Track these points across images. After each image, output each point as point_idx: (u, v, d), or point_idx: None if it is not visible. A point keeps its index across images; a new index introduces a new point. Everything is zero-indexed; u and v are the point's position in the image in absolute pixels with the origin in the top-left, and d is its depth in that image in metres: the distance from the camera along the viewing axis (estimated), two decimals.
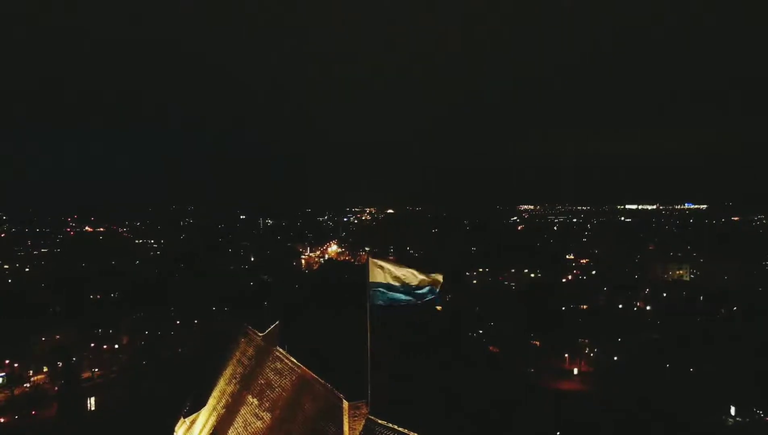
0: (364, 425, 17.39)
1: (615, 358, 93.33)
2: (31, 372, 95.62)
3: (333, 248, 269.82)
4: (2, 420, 79.53)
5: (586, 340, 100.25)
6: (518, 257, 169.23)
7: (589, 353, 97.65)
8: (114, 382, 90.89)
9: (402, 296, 17.46)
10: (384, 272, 17.69)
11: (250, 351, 28.40)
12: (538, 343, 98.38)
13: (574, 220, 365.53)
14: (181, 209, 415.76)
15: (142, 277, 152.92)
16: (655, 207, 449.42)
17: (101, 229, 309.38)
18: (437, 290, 17.35)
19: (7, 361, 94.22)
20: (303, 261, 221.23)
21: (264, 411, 23.28)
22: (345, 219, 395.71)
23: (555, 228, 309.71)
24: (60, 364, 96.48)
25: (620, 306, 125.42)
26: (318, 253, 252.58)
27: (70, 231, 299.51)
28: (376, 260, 17.94)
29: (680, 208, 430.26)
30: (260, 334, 28.20)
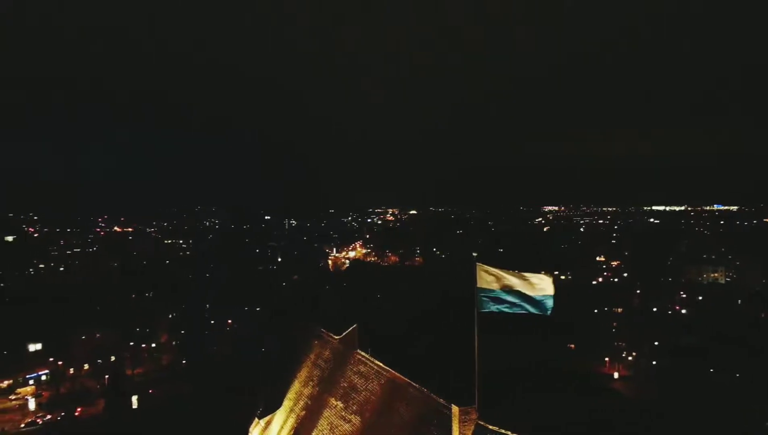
0: (474, 431, 17.48)
1: (654, 362, 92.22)
2: (72, 370, 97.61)
3: (359, 249, 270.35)
4: (49, 417, 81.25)
5: (623, 344, 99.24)
6: (546, 259, 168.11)
7: (626, 357, 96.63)
8: (155, 381, 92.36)
9: (512, 301, 17.46)
10: (492, 278, 17.72)
11: (327, 353, 28.68)
12: (573, 346, 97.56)
13: (600, 221, 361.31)
14: (206, 210, 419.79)
15: (175, 277, 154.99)
16: (683, 208, 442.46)
17: (130, 229, 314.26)
18: (550, 298, 17.30)
19: (50, 359, 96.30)
20: (330, 261, 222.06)
21: (352, 414, 23.50)
22: (369, 220, 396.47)
23: (582, 229, 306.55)
24: (100, 361, 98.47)
25: (654, 309, 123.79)
26: (344, 253, 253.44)
27: (100, 231, 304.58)
28: (483, 265, 17.99)
29: (709, 210, 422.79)
30: (336, 337, 28.46)
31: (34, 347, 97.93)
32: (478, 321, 17.95)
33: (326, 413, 25.25)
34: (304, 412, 27.11)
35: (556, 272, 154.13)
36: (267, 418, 29.86)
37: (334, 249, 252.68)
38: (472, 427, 17.52)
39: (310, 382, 28.37)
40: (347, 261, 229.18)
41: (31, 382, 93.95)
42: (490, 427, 17.27)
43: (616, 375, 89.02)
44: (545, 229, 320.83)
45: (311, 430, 25.42)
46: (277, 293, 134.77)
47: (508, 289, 17.53)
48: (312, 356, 29.91)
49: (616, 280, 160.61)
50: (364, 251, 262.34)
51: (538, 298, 17.23)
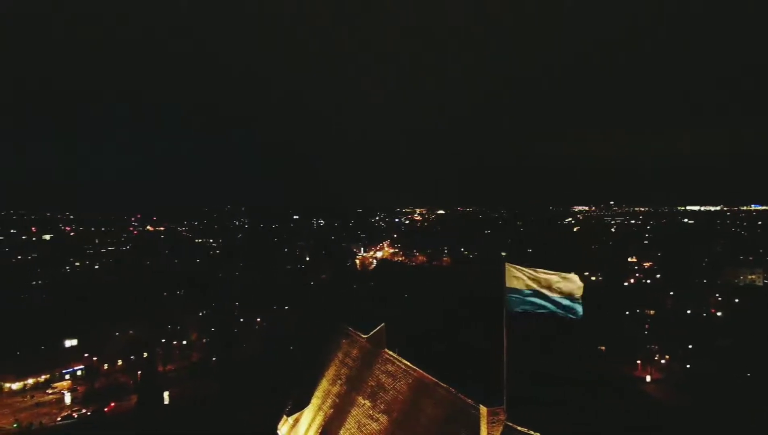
0: (502, 432, 17.30)
1: (688, 366, 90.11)
2: (106, 366, 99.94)
3: (386, 248, 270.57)
4: (84, 411, 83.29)
5: (656, 347, 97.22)
6: (576, 259, 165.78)
7: (659, 360, 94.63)
8: (185, 378, 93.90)
9: (541, 303, 17.24)
10: (522, 278, 17.52)
11: (354, 352, 28.76)
12: (603, 347, 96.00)
13: (632, 221, 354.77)
14: (236, 210, 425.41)
15: (205, 276, 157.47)
16: (719, 208, 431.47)
17: (162, 229, 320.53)
18: (580, 299, 17.02)
19: (86, 355, 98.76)
20: (357, 261, 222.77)
21: (379, 413, 23.52)
22: (397, 220, 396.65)
23: (613, 230, 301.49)
24: (132, 357, 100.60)
25: (688, 311, 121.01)
26: (371, 253, 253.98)
27: (134, 230, 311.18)
28: (512, 265, 17.81)
29: (746, 210, 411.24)
30: (364, 336, 28.52)
31: (70, 343, 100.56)
32: (507, 321, 17.78)
33: (354, 412, 25.32)
34: (331, 411, 27.24)
35: (586, 273, 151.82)
36: (295, 416, 30.08)
37: (362, 248, 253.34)
38: (501, 428, 17.35)
39: (338, 381, 28.49)
40: (375, 260, 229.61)
41: (67, 377, 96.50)
42: (519, 428, 17.07)
43: (648, 378, 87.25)
44: (575, 229, 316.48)
45: (339, 428, 25.51)
46: (306, 292, 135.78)
47: (538, 290, 17.30)
48: (340, 355, 30.03)
49: (648, 281, 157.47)
50: (391, 251, 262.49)
51: (567, 299, 16.96)
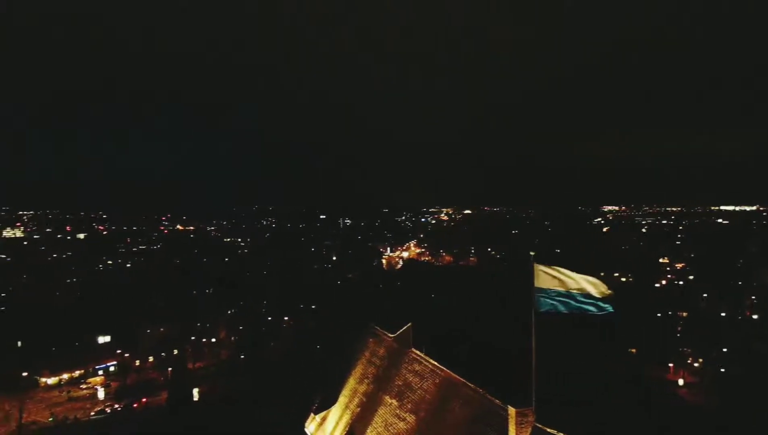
0: (531, 433, 17.15)
1: (722, 370, 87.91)
2: (138, 362, 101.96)
3: (413, 248, 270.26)
4: (116, 406, 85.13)
5: (688, 350, 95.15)
6: (606, 260, 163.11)
7: (692, 363, 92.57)
8: (214, 375, 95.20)
9: (570, 303, 17.06)
10: (550, 277, 17.38)
11: (381, 351, 28.81)
12: (634, 350, 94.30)
13: (664, 221, 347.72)
14: (263, 210, 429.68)
15: (233, 275, 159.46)
16: (754, 208, 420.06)
17: (191, 228, 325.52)
18: (610, 299, 16.80)
19: (118, 351, 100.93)
20: (384, 261, 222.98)
21: (406, 412, 23.52)
22: (423, 219, 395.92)
23: (644, 230, 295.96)
24: (163, 354, 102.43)
25: (723, 314, 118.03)
26: (398, 253, 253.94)
27: (164, 229, 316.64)
28: (541, 265, 17.66)
29: None
30: (391, 335, 28.55)
31: (103, 340, 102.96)
32: (535, 321, 17.64)
33: (381, 411, 25.37)
34: (359, 409, 27.34)
35: (616, 274, 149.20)
36: (323, 414, 30.28)
37: (388, 248, 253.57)
38: (529, 430, 17.21)
39: (365, 380, 28.58)
40: (401, 260, 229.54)
41: (100, 372, 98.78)
42: (548, 430, 16.90)
43: (681, 382, 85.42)
44: (605, 230, 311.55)
45: (366, 427, 25.59)
46: (332, 291, 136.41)
47: (567, 290, 17.15)
48: (367, 354, 30.12)
49: (680, 282, 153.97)
50: (418, 251, 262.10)
51: (597, 299, 16.77)
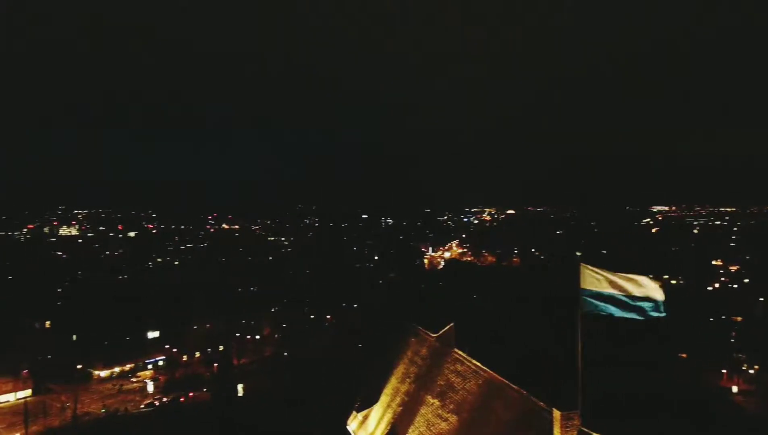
0: None
1: None
2: (185, 357, 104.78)
3: (455, 248, 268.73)
4: (165, 400, 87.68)
5: (743, 356, 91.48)
6: (655, 262, 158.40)
7: (747, 370, 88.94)
8: (258, 371, 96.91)
9: (618, 305, 16.60)
10: (598, 279, 16.95)
11: (423, 351, 28.75)
12: (684, 355, 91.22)
13: (717, 222, 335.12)
14: (306, 209, 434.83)
15: (277, 273, 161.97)
16: None
17: (236, 227, 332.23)
18: (660, 302, 16.25)
19: (167, 346, 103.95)
20: (426, 260, 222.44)
21: (448, 413, 23.39)
22: (465, 219, 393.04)
23: (696, 231, 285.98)
24: (209, 350, 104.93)
25: None
26: (440, 253, 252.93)
27: (210, 228, 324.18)
28: (588, 266, 17.26)
29: None
30: (433, 335, 28.45)
31: (153, 335, 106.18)
32: (581, 323, 17.25)
33: (423, 410, 25.30)
34: (400, 408, 27.35)
35: (666, 276, 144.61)
36: (364, 412, 30.41)
37: (430, 248, 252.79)
38: (575, 434, 16.86)
39: (407, 379, 28.56)
40: (443, 260, 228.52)
41: (149, 366, 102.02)
42: (594, 434, 16.53)
43: (735, 389, 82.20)
44: (654, 231, 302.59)
45: (408, 426, 25.57)
46: (374, 290, 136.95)
47: (616, 292, 16.69)
48: (409, 353, 30.10)
49: (734, 286, 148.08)
50: (460, 251, 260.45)
51: (646, 302, 16.26)
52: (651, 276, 16.84)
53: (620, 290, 16.63)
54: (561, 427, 16.87)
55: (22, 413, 78.07)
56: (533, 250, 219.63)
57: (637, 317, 16.32)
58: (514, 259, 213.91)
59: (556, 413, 17.03)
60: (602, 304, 16.86)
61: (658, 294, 16.34)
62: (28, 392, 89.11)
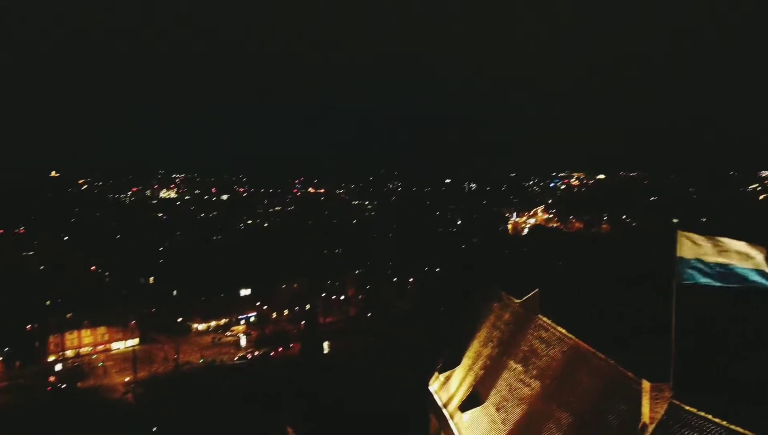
0: (667, 410, 16.18)
1: None
2: (274, 314, 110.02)
3: (540, 214, 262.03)
4: (256, 353, 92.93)
5: None
6: (763, 231, 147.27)
7: None
8: (342, 331, 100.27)
9: (721, 274, 15.57)
10: (698, 247, 15.94)
11: (507, 316, 28.58)
12: None
13: None
14: (389, 174, 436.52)
15: (361, 236, 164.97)
16: None
17: (322, 191, 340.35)
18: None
19: (257, 303, 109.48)
20: (509, 226, 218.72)
21: (531, 378, 23.25)
22: (552, 184, 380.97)
23: None
24: (297, 308, 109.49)
25: None
26: (524, 218, 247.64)
27: (297, 192, 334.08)
28: (686, 234, 16.27)
29: None
30: (517, 300, 28.16)
31: (245, 292, 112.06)
32: (676, 293, 16.40)
33: (505, 375, 25.29)
34: (482, 372, 27.46)
35: None
36: (446, 374, 30.82)
37: (514, 213, 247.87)
38: (665, 406, 16.24)
39: (489, 343, 28.56)
40: (527, 226, 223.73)
41: (242, 322, 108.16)
42: (687, 408, 15.84)
43: None
44: (762, 198, 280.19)
45: (490, 390, 25.69)
46: (456, 255, 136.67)
47: (722, 260, 15.58)
48: (492, 318, 30.02)
49: None
50: (545, 217, 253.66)
51: (755, 271, 15.09)
52: (760, 245, 15.62)
53: (727, 257, 15.54)
54: (650, 398, 16.32)
55: (131, 360, 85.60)
56: (624, 216, 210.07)
57: (751, 285, 15.22)
58: (604, 226, 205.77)
59: (646, 384, 16.46)
60: (704, 272, 15.91)
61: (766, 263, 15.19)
62: (136, 341, 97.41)
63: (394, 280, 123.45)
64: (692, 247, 16.01)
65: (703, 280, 15.78)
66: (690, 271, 15.99)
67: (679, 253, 16.27)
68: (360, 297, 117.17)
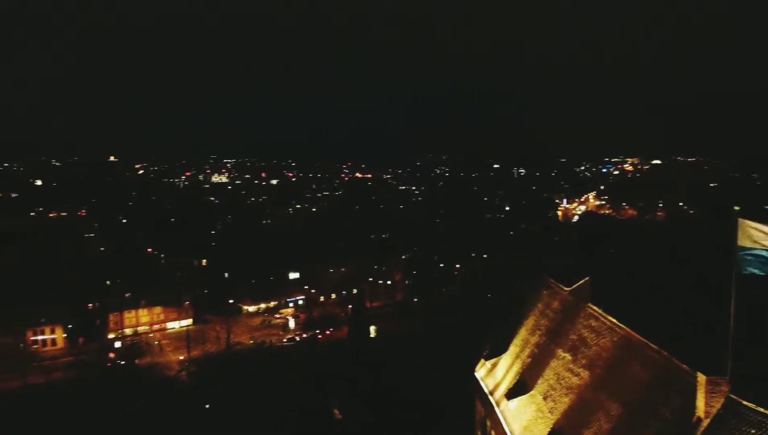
0: (724, 404, 15.61)
1: None
2: (322, 298, 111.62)
3: (591, 200, 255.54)
4: (305, 335, 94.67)
5: None
6: None
7: None
8: (389, 315, 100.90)
9: None
10: (762, 235, 15.23)
11: (555, 304, 28.09)
12: None
13: None
14: (436, 160, 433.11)
15: (408, 221, 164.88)
16: None
17: (369, 176, 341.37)
18: None
19: (306, 287, 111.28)
20: (560, 212, 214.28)
21: (580, 368, 22.81)
22: (604, 170, 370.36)
23: None
24: (344, 292, 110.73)
25: None
26: (575, 204, 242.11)
27: (345, 177, 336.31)
28: (748, 221, 15.54)
29: None
30: (566, 289, 27.62)
31: (293, 276, 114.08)
32: (736, 283, 15.74)
33: (553, 363, 24.91)
34: (529, 360, 27.15)
35: None
36: (493, 361, 30.62)
37: (564, 199, 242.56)
38: (722, 401, 15.67)
39: (537, 331, 28.17)
40: (578, 213, 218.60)
41: (291, 305, 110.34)
42: (745, 403, 15.23)
43: None
44: None
45: (537, 378, 25.39)
46: (504, 241, 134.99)
47: None
48: (540, 306, 29.57)
49: None
50: (597, 203, 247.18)
51: None
52: None
53: None
54: (706, 392, 15.77)
55: (185, 339, 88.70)
56: (681, 203, 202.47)
57: None
58: (659, 214, 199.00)
59: (701, 377, 15.91)
60: (762, 263, 15.23)
61: None
62: (190, 321, 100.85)
63: (441, 265, 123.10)
64: (754, 235, 15.33)
65: (762, 270, 15.11)
66: (749, 259, 15.34)
67: (739, 242, 15.61)
68: (407, 282, 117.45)
